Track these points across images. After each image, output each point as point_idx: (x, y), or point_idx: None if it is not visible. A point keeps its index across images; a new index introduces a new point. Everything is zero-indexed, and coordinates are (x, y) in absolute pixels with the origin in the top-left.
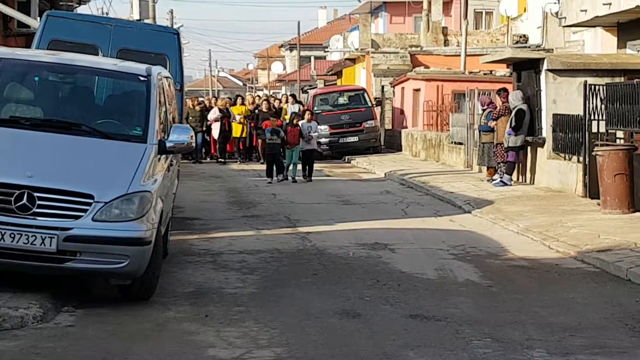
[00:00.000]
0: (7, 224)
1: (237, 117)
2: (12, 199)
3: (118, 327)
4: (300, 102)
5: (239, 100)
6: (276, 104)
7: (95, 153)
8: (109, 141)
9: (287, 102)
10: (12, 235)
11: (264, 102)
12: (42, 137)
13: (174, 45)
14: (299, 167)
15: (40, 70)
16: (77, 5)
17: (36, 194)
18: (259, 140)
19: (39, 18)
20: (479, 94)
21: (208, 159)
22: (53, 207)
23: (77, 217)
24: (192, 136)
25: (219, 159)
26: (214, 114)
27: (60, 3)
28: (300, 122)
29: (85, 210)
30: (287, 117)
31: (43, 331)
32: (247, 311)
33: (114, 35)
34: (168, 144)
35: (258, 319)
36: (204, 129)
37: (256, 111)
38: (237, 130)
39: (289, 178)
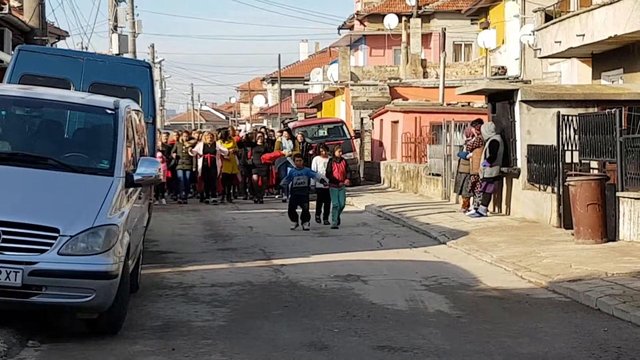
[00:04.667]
0: None
1: (226, 152)
2: None
3: None
4: (294, 137)
5: (230, 133)
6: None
7: (61, 187)
8: (76, 174)
9: (281, 135)
10: None
11: (259, 135)
12: (8, 171)
13: (146, 78)
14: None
15: (7, 105)
16: (57, 40)
17: (1, 228)
18: (254, 177)
19: (12, 52)
20: (455, 126)
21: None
22: (18, 242)
23: (42, 251)
24: (160, 169)
25: (205, 199)
26: (198, 149)
27: (35, 38)
28: (316, 159)
29: (50, 244)
30: (286, 152)
31: None
32: (215, 344)
33: (85, 69)
34: (136, 177)
35: (225, 352)
36: (196, 167)
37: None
38: (227, 167)
39: (331, 222)
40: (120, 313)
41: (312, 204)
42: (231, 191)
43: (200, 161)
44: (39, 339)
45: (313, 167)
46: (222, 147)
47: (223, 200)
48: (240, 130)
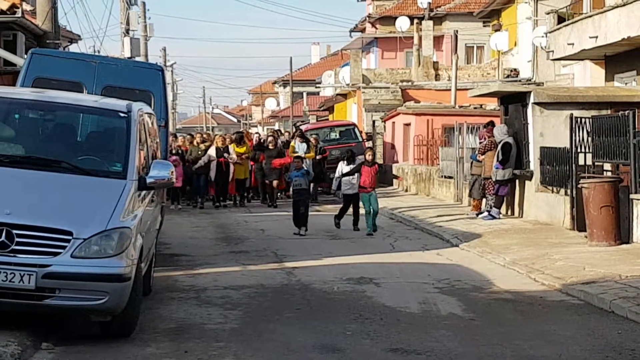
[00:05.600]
0: None
1: (235, 157)
2: None
3: None
4: (308, 140)
5: (244, 137)
6: (284, 137)
7: (74, 189)
8: (89, 177)
9: (295, 138)
10: None
11: (271, 139)
12: (22, 174)
13: (159, 81)
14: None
15: (20, 108)
16: (69, 44)
17: (15, 231)
18: (267, 181)
19: (25, 56)
20: (467, 128)
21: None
22: (32, 244)
23: (55, 254)
24: (172, 172)
25: (216, 203)
26: (211, 152)
27: (47, 41)
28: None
29: (64, 247)
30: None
31: None
32: (227, 347)
33: (98, 72)
34: (148, 180)
35: (238, 355)
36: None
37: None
38: (239, 172)
39: (367, 229)
40: (133, 316)
41: (329, 208)
42: (245, 194)
43: (214, 165)
44: (53, 342)
45: (338, 170)
46: (233, 152)
47: (236, 204)
48: (256, 134)
